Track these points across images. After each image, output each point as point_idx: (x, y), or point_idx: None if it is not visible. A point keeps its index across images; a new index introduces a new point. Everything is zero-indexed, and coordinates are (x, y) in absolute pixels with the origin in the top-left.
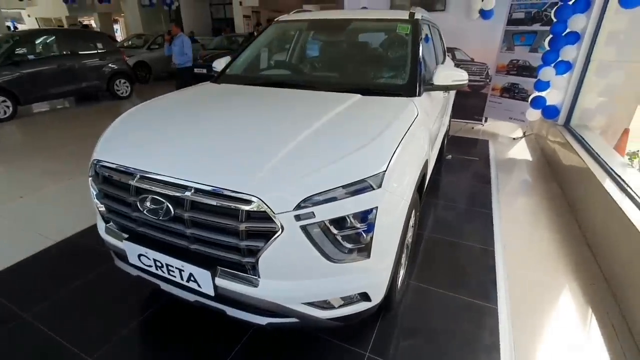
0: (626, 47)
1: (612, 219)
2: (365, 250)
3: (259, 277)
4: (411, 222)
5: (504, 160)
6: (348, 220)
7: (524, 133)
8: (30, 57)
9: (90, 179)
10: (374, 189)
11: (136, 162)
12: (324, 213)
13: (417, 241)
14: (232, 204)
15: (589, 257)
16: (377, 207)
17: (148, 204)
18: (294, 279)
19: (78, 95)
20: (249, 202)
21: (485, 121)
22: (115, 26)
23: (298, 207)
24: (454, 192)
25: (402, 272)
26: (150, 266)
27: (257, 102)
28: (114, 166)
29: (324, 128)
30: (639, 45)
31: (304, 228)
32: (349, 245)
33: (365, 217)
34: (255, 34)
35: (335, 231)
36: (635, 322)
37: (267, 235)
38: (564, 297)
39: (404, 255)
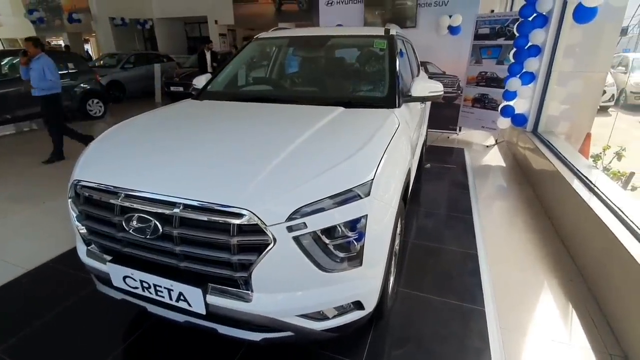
0: (582, 58)
1: (582, 218)
2: (357, 258)
3: (252, 291)
4: (398, 230)
5: (479, 166)
6: (339, 229)
7: (496, 140)
8: None
9: (69, 200)
10: (362, 198)
11: (119, 180)
12: (316, 223)
13: (402, 248)
14: (223, 219)
15: (565, 254)
16: (366, 215)
17: (134, 223)
18: (287, 291)
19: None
20: (239, 215)
21: (460, 130)
22: (86, 46)
23: (289, 218)
24: (435, 199)
25: (391, 279)
26: (136, 288)
27: (241, 117)
28: (95, 185)
29: (310, 140)
30: (593, 56)
31: (296, 239)
32: (341, 254)
33: (356, 225)
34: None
35: (327, 241)
36: (611, 314)
37: (259, 249)
38: (546, 295)
39: (392, 263)
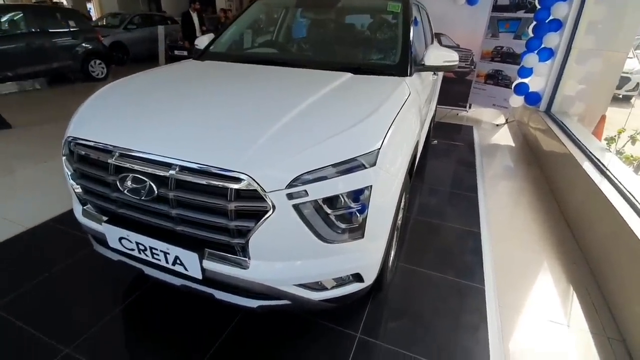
0: (604, 36)
1: (592, 201)
2: (359, 230)
3: (249, 258)
4: (402, 204)
5: (487, 145)
6: (342, 199)
7: (507, 120)
8: None
9: (64, 158)
10: (367, 168)
11: (115, 139)
12: (317, 192)
13: (405, 223)
14: (221, 183)
15: (570, 237)
16: (370, 187)
17: (129, 183)
18: (285, 260)
19: (50, 76)
20: (238, 180)
21: (470, 108)
22: (89, 5)
23: (290, 185)
24: (440, 176)
25: (392, 254)
26: (132, 250)
27: (244, 78)
28: (90, 143)
29: (315, 106)
30: (615, 34)
31: (296, 207)
32: (342, 225)
33: (359, 196)
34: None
35: (328, 211)
36: (612, 298)
37: (257, 215)
38: (547, 276)
39: (394, 237)
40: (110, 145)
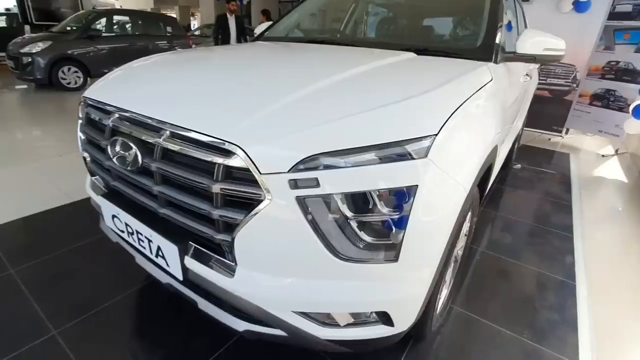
0: None
1: None
2: (392, 249)
3: (235, 264)
4: (465, 228)
5: (589, 179)
6: (370, 199)
7: (617, 150)
8: (105, 34)
9: (79, 122)
10: (414, 159)
11: (117, 99)
12: (335, 184)
13: (467, 255)
14: (208, 156)
15: None
16: (416, 187)
17: (117, 148)
18: (282, 274)
19: None
20: (228, 154)
21: (566, 133)
22: (193, 20)
23: (295, 169)
24: (521, 207)
25: (445, 293)
26: (122, 231)
27: (285, 54)
28: (95, 103)
29: (354, 79)
30: None
31: (301, 201)
32: (367, 239)
33: (398, 200)
34: None
35: (349, 214)
36: None
37: (248, 206)
38: None
39: (450, 270)
40: (110, 105)
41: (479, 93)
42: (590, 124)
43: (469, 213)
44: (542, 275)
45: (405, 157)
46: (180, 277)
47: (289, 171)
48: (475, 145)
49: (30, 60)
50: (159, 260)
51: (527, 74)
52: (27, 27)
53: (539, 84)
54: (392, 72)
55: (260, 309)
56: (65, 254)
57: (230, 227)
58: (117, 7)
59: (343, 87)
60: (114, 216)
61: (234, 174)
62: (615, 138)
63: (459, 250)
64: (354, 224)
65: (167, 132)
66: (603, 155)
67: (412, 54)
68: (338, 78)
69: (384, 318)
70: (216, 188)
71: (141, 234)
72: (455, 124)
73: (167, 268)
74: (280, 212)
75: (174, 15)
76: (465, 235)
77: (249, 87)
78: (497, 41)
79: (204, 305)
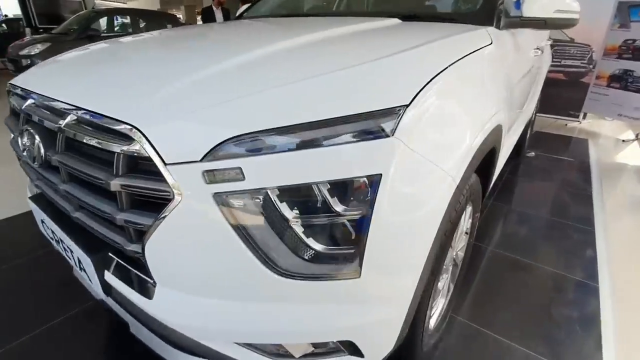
0: None
1: None
2: (351, 260)
3: (153, 281)
4: (464, 225)
5: (609, 166)
6: (318, 194)
7: (637, 135)
8: (106, 33)
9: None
10: (378, 137)
11: (34, 84)
12: (266, 174)
13: (472, 256)
14: (108, 144)
15: None
16: (379, 176)
17: (25, 140)
18: (211, 295)
19: None
20: (127, 139)
21: (584, 118)
22: (199, 18)
23: (211, 155)
24: (536, 199)
25: (442, 303)
26: (52, 239)
27: (242, 29)
28: (15, 89)
29: (309, 46)
30: None
31: (221, 200)
32: (317, 247)
33: (357, 194)
34: None
35: (289, 214)
36: None
37: (157, 207)
38: None
39: (445, 278)
40: (26, 90)
41: (472, 56)
42: (609, 108)
43: (469, 208)
44: (559, 276)
45: (363, 136)
46: (102, 295)
47: (202, 159)
48: (467, 122)
49: (29, 62)
50: (83, 274)
51: (537, 48)
52: (27, 30)
53: (553, 65)
54: (359, 39)
55: (188, 338)
56: (14, 267)
57: (142, 235)
58: (122, 7)
59: (288, 56)
60: (42, 221)
61: (139, 167)
62: (635, 122)
63: (458, 251)
64: (296, 228)
65: (68, 117)
66: (623, 141)
67: (395, 20)
68: (285, 46)
69: (351, 348)
70: (115, 185)
71: (64, 242)
72: (437, 92)
73: (90, 283)
74: (195, 214)
75: (180, 15)
76: (467, 234)
77: (174, 64)
78: (497, 3)
79: (135, 328)
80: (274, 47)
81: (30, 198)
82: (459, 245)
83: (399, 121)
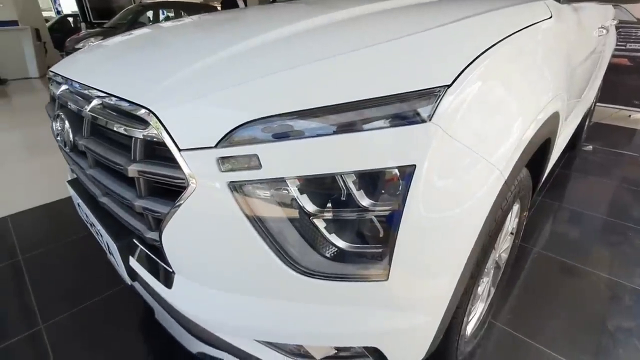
0: None
1: None
2: (378, 260)
3: (172, 271)
4: (510, 224)
5: None
6: (342, 186)
7: None
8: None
9: None
10: (415, 122)
11: (69, 70)
12: (286, 162)
13: (517, 257)
14: (126, 128)
15: None
16: (413, 167)
17: (57, 124)
18: (230, 289)
19: None
20: (143, 123)
21: None
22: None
23: (227, 141)
24: (592, 197)
25: (480, 308)
26: (87, 222)
27: (273, 12)
28: (54, 77)
29: (338, 24)
30: None
31: (237, 189)
32: (340, 245)
33: (386, 186)
34: None
35: (310, 208)
36: None
37: (174, 195)
38: None
39: (485, 282)
40: (61, 76)
41: (528, 31)
42: None
43: (516, 206)
44: (615, 284)
45: (395, 121)
46: (128, 281)
47: (217, 145)
48: (520, 108)
49: None
50: (112, 259)
51: (602, 27)
52: (83, 25)
53: (617, 49)
54: (396, 13)
55: (207, 332)
56: (70, 243)
57: (160, 223)
58: (167, 0)
59: (314, 35)
60: (78, 205)
61: (156, 153)
62: None
63: (502, 253)
64: (319, 224)
65: (93, 102)
66: None
67: None
68: (312, 24)
69: (376, 354)
70: (133, 170)
71: (95, 227)
72: (485, 72)
73: (117, 268)
74: (210, 203)
75: (219, 7)
76: (512, 234)
77: (195, 47)
78: None
79: (160, 315)
80: (299, 25)
81: (68, 182)
82: (503, 246)
83: (438, 104)
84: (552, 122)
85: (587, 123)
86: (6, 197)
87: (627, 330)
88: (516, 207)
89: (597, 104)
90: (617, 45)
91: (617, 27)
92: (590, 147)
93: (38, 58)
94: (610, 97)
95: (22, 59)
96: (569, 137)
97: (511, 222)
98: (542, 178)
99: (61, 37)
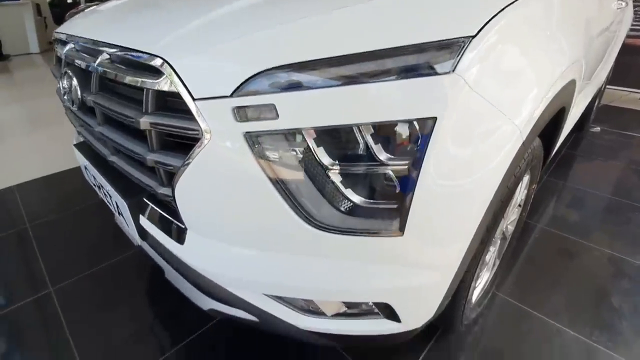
0: None
1: None
2: (394, 216)
3: (184, 226)
4: (519, 195)
5: None
6: (359, 138)
7: None
8: None
9: None
10: (431, 75)
11: (73, 29)
12: (303, 113)
13: (522, 231)
14: (138, 78)
15: None
16: (434, 120)
17: (64, 82)
18: (241, 244)
19: None
20: (156, 73)
21: None
22: None
23: (242, 90)
24: (599, 177)
25: (486, 277)
26: (94, 185)
27: None
28: (60, 37)
29: None
30: None
31: (253, 140)
32: (356, 199)
33: (406, 140)
34: None
35: (326, 161)
36: None
37: (186, 147)
38: None
39: (492, 251)
40: (67, 35)
41: None
42: None
43: (527, 176)
44: (619, 259)
45: (417, 71)
46: (138, 240)
47: (232, 94)
48: (542, 68)
49: None
50: (121, 219)
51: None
52: None
53: (631, 29)
54: None
55: (219, 287)
56: (76, 212)
57: (172, 178)
58: None
59: None
60: (85, 167)
61: (168, 104)
62: None
63: (508, 224)
64: (335, 177)
65: (101, 55)
66: None
67: None
68: None
69: (387, 311)
70: (145, 122)
71: (104, 188)
72: (511, 24)
73: (127, 228)
74: (225, 155)
75: None
76: (520, 206)
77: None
78: None
79: (170, 274)
80: None
81: (74, 145)
82: (511, 217)
83: (462, 55)
84: (569, 89)
85: (596, 104)
86: (12, 168)
87: (631, 304)
88: (526, 178)
89: (607, 86)
90: (632, 25)
91: (634, 5)
92: (597, 129)
93: (39, 33)
94: (621, 78)
95: (23, 34)
96: (579, 117)
97: (520, 193)
98: (553, 151)
99: (60, 12)
